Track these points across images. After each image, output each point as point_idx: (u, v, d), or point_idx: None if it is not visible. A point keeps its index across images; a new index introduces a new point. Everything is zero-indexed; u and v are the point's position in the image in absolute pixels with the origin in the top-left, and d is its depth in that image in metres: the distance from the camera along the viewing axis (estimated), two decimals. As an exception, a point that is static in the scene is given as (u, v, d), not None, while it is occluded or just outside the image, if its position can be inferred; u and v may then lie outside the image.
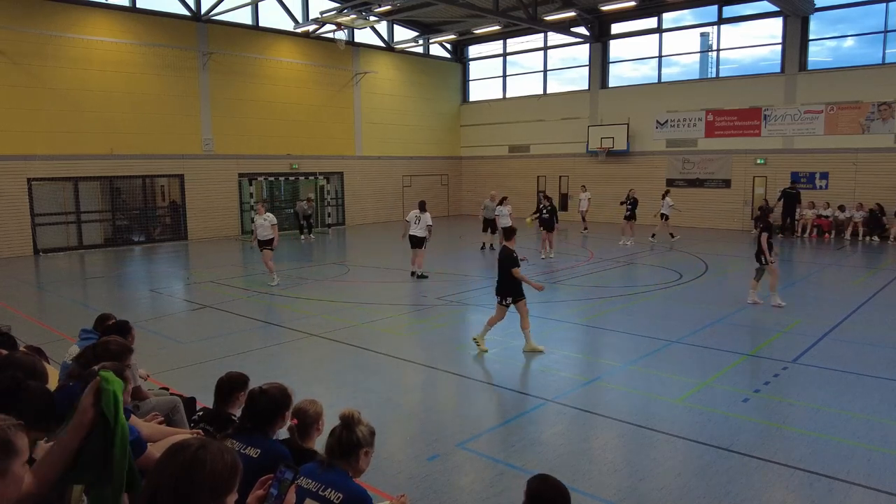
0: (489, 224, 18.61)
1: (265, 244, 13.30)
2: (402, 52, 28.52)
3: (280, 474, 2.33)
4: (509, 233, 8.77)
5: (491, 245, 18.86)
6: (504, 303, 8.45)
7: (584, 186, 23.62)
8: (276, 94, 23.96)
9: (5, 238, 18.04)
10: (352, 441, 2.94)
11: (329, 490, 2.84)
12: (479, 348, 8.45)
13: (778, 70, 22.28)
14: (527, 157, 29.06)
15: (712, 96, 23.63)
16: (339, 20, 21.61)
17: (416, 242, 13.84)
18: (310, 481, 2.90)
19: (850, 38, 22.13)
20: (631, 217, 19.59)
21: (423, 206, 14.13)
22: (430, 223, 13.99)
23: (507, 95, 30.09)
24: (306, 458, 3.66)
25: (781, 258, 17.44)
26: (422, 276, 13.82)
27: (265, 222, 13.30)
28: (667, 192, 20.76)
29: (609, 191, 26.06)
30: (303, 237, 22.36)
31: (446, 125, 30.96)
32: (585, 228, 22.43)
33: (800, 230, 21.33)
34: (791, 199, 20.63)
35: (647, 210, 21.58)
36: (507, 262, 8.31)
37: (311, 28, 24.18)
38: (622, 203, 20.20)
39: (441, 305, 11.38)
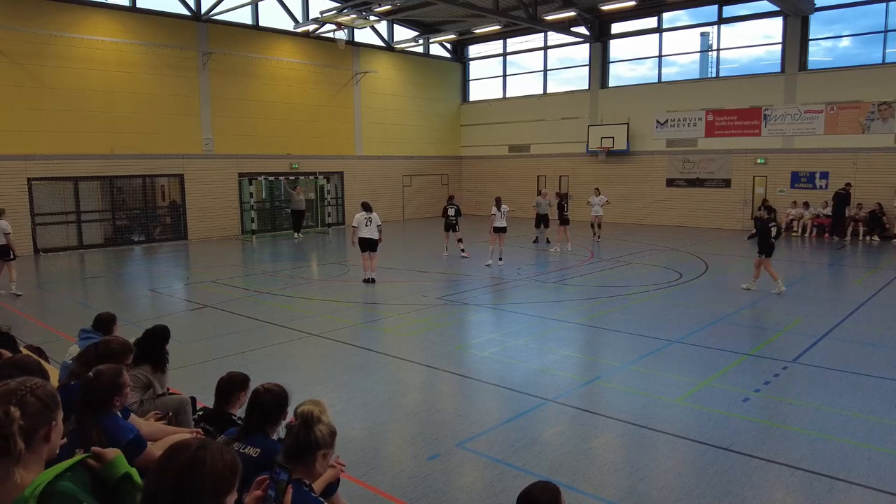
0: (542, 219, 19.20)
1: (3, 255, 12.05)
2: (403, 51, 28.52)
3: (276, 475, 2.33)
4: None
5: (547, 239, 19.37)
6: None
7: (597, 189, 21.40)
8: (276, 94, 23.95)
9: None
10: (308, 441, 2.71)
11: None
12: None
13: (778, 70, 22.28)
14: (527, 157, 29.06)
15: (712, 96, 23.62)
16: (339, 20, 21.61)
17: (371, 245, 13.27)
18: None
19: (849, 37, 22.14)
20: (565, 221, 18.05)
21: (370, 207, 13.52)
22: (380, 223, 13.44)
23: (507, 95, 30.09)
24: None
25: (782, 258, 17.44)
26: (370, 281, 13.30)
27: None
28: None
29: (609, 191, 26.05)
30: (296, 236, 22.38)
31: (446, 125, 30.95)
32: (598, 237, 20.31)
33: (800, 230, 21.34)
34: (842, 200, 20.44)
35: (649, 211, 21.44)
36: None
37: (311, 28, 24.18)
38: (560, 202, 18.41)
39: (441, 305, 11.38)
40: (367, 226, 13.28)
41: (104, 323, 5.61)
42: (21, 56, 18.06)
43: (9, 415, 1.99)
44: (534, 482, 2.91)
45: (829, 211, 20.91)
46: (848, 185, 20.55)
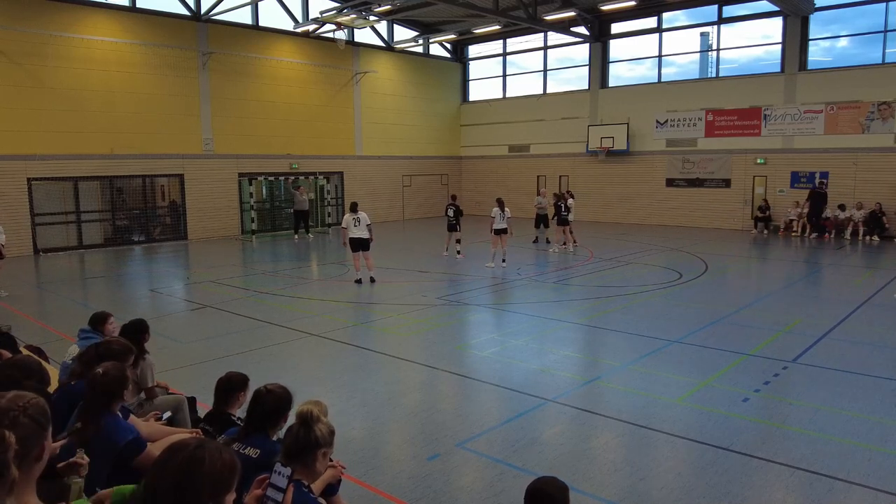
0: (542, 219, 19.32)
1: None
2: (402, 51, 28.52)
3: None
4: None
5: (547, 239, 19.32)
6: None
7: (569, 192, 20.08)
8: (276, 94, 23.95)
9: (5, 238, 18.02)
10: (309, 440, 2.74)
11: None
12: None
13: (778, 70, 22.28)
14: (527, 157, 29.06)
15: (712, 96, 23.62)
16: (339, 20, 21.61)
17: (363, 245, 13.19)
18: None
19: (849, 37, 22.14)
20: (564, 221, 17.63)
21: (356, 207, 13.42)
22: (370, 223, 13.36)
23: (507, 95, 30.09)
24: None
25: (782, 258, 17.47)
26: (360, 281, 13.26)
27: None
28: None
29: (609, 191, 26.14)
30: (296, 236, 22.36)
31: (446, 125, 30.95)
32: (574, 243, 18.23)
33: (800, 230, 21.32)
34: (819, 199, 20.50)
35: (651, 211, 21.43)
36: None
37: (311, 28, 24.18)
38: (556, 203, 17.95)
39: (441, 305, 11.38)
40: (355, 226, 13.19)
41: (99, 321, 5.66)
42: (21, 56, 18.05)
43: (4, 440, 1.79)
44: (539, 477, 2.91)
45: (804, 210, 20.93)
46: (822, 183, 20.60)
